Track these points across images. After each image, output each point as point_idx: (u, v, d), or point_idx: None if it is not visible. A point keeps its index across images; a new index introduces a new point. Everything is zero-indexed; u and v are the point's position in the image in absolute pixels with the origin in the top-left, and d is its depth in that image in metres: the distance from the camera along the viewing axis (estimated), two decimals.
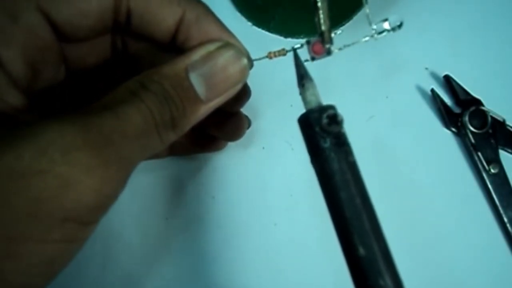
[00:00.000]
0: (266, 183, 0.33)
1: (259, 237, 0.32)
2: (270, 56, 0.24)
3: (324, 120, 0.19)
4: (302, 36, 0.35)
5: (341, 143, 0.19)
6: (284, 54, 0.24)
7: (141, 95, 0.20)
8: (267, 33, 0.36)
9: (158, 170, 0.33)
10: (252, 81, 0.28)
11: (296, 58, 0.22)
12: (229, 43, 0.24)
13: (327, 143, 0.19)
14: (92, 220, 0.20)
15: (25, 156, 0.17)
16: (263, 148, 0.34)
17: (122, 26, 0.24)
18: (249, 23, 0.36)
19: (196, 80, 0.22)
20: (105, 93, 0.21)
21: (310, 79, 0.21)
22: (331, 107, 0.20)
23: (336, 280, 0.30)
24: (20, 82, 0.21)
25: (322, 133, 0.20)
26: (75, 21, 0.22)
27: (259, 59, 0.24)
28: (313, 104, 0.21)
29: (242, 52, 0.24)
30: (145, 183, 0.33)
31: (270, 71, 0.33)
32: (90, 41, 0.24)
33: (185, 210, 0.33)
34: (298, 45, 0.23)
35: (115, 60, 0.26)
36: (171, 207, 0.33)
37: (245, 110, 0.30)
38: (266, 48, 0.35)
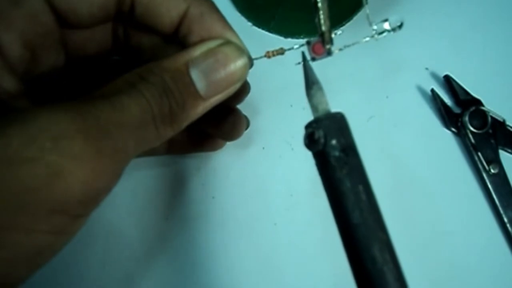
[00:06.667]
0: (266, 183, 0.33)
1: (259, 237, 0.32)
2: (268, 55, 0.24)
3: (305, 141, 0.19)
4: (302, 36, 0.35)
5: (325, 162, 0.18)
6: (282, 53, 0.24)
7: (139, 87, 0.20)
8: (267, 33, 0.35)
9: (158, 170, 0.33)
10: (252, 81, 0.28)
11: (305, 61, 0.21)
12: (230, 41, 0.24)
13: (315, 160, 0.19)
14: (81, 213, 0.19)
15: (14, 143, 0.17)
16: (263, 148, 0.34)
17: (125, 15, 0.24)
18: (249, 23, 0.36)
19: (196, 76, 0.22)
20: (105, 84, 0.21)
21: (318, 86, 0.20)
22: (317, 121, 0.19)
23: (336, 279, 0.31)
24: (17, 66, 0.21)
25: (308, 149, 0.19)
26: (78, 8, 0.22)
27: (257, 58, 0.24)
28: (319, 112, 0.20)
29: (243, 51, 0.24)
30: (145, 183, 0.33)
31: (270, 71, 0.33)
32: (91, 28, 0.24)
33: (185, 210, 0.33)
34: (305, 47, 0.23)
35: (116, 52, 0.26)
36: (171, 207, 0.33)
37: (245, 110, 0.30)
38: (266, 48, 0.35)
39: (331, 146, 0.18)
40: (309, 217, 0.32)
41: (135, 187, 0.33)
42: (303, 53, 0.22)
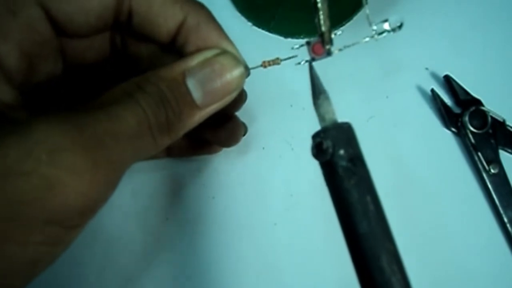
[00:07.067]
0: (266, 183, 0.33)
1: (259, 237, 0.32)
2: (264, 65, 0.25)
3: (313, 151, 0.19)
4: (302, 36, 0.35)
5: (333, 172, 0.18)
6: (278, 63, 0.24)
7: (136, 97, 0.20)
8: (267, 33, 0.36)
9: (158, 170, 0.33)
10: (252, 81, 0.28)
11: (311, 71, 0.21)
12: (227, 50, 0.24)
13: (323, 169, 0.19)
14: (77, 224, 0.19)
15: (10, 155, 0.17)
16: (263, 148, 0.34)
17: (123, 25, 0.24)
18: (249, 23, 0.36)
19: (193, 86, 0.22)
20: (103, 94, 0.21)
21: (325, 95, 0.20)
22: (325, 131, 0.19)
23: (335, 279, 0.31)
24: (15, 76, 0.21)
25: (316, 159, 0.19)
26: (76, 18, 0.22)
27: (254, 68, 0.25)
28: (327, 122, 0.20)
29: (239, 60, 0.24)
30: (145, 183, 0.33)
31: (270, 71, 0.33)
32: (89, 37, 0.24)
33: (185, 210, 0.33)
34: (307, 55, 0.23)
35: (114, 60, 0.26)
36: (172, 207, 0.33)
37: (244, 110, 0.30)
38: (266, 48, 0.35)
39: (339, 156, 0.18)
40: (309, 217, 0.32)
41: (135, 188, 0.33)
42: (310, 63, 0.22)
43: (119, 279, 0.31)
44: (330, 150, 0.18)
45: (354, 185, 0.18)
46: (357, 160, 0.18)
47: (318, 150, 0.19)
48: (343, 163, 0.18)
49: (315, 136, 0.19)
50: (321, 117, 0.20)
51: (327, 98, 0.20)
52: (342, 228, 0.19)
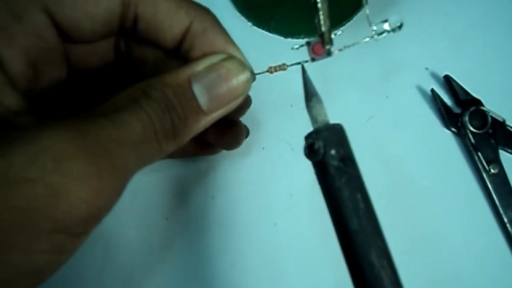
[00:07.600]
0: (266, 183, 0.33)
1: (259, 237, 0.32)
2: (270, 70, 0.25)
3: (305, 151, 0.19)
4: (302, 36, 0.35)
5: (325, 171, 0.19)
6: (285, 69, 0.24)
7: (142, 102, 0.20)
8: (267, 33, 0.36)
9: (158, 170, 0.33)
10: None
11: (304, 74, 0.22)
12: (233, 55, 0.23)
13: (315, 169, 0.20)
14: (82, 232, 0.19)
15: (16, 163, 0.17)
16: (263, 148, 0.34)
17: (128, 30, 0.24)
18: (249, 23, 0.36)
19: (198, 91, 0.22)
20: (107, 98, 0.21)
21: (317, 98, 0.21)
22: (317, 132, 0.20)
23: (336, 279, 0.31)
24: (20, 82, 0.21)
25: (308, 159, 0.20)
26: (81, 24, 0.22)
27: (260, 73, 0.25)
28: (319, 124, 0.20)
29: (245, 65, 0.24)
30: (145, 183, 0.33)
31: None
32: (94, 42, 0.24)
33: (185, 210, 0.33)
34: (305, 60, 0.23)
35: (118, 65, 0.26)
36: (172, 207, 0.33)
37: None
38: (266, 48, 0.35)
39: (330, 156, 0.19)
40: (309, 217, 0.32)
41: (135, 187, 0.33)
42: (302, 66, 0.22)
43: (119, 279, 0.31)
44: (322, 150, 0.19)
45: (344, 184, 0.19)
46: (347, 160, 0.19)
47: (310, 151, 0.19)
48: (334, 162, 0.19)
49: (307, 137, 0.20)
50: (313, 119, 0.20)
51: (319, 101, 0.21)
52: (334, 225, 0.19)
